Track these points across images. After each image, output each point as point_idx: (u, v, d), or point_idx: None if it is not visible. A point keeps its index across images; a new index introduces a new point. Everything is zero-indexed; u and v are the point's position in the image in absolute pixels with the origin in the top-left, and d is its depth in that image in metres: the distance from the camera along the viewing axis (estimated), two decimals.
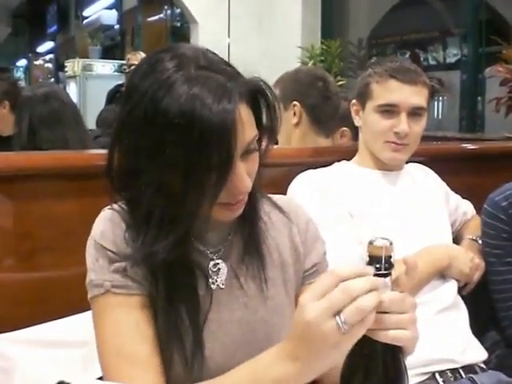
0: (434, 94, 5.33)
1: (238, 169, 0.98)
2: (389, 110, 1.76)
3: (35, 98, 2.60)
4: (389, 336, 0.84)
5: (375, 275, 0.84)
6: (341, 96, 2.36)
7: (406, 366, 0.87)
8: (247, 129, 0.98)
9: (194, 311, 1.05)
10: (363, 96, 1.82)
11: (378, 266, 0.84)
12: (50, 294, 1.69)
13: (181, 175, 0.95)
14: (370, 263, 0.84)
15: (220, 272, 1.11)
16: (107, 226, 1.07)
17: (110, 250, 1.04)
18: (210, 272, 1.10)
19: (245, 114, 0.97)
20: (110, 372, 1.01)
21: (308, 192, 1.72)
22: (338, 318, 0.81)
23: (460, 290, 1.84)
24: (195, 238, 1.09)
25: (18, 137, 2.57)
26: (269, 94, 1.03)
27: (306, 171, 1.81)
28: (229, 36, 6.26)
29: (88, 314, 1.06)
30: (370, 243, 0.84)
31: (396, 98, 1.75)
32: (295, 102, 2.21)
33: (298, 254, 1.19)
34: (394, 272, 0.86)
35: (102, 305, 1.04)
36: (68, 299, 1.24)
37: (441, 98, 5.86)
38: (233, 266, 1.12)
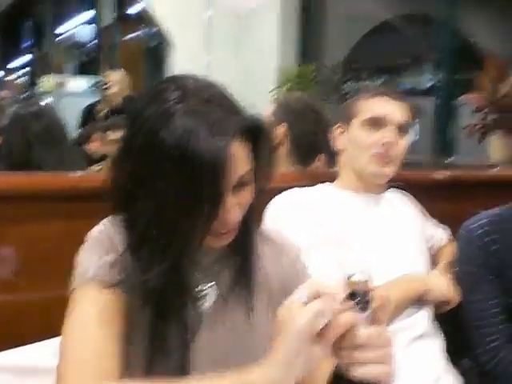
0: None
1: (228, 202, 1.01)
2: (376, 124, 1.79)
3: (28, 115, 2.57)
4: (365, 371, 0.84)
5: (354, 309, 0.84)
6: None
7: None
8: (240, 164, 1.01)
9: (183, 331, 1.06)
10: (349, 116, 1.86)
11: (355, 300, 0.84)
12: (24, 317, 1.66)
13: (173, 206, 0.97)
14: (348, 298, 0.84)
15: (208, 296, 1.13)
16: (106, 229, 1.10)
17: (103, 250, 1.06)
18: (199, 295, 1.12)
19: (239, 149, 1.00)
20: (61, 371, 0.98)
21: (289, 211, 1.71)
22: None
23: (436, 316, 1.84)
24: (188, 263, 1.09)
25: (7, 155, 2.52)
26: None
27: (289, 190, 1.81)
28: (208, 54, 6.27)
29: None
30: (348, 278, 0.84)
31: (384, 111, 1.79)
32: (284, 124, 2.21)
33: (286, 285, 1.19)
34: (372, 306, 0.86)
35: (79, 295, 1.04)
36: (43, 324, 1.21)
37: (416, 122, 5.92)
38: (222, 291, 1.14)
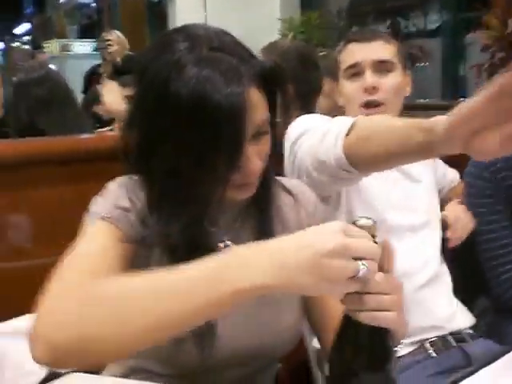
0: (414, 61, 5.32)
1: (248, 151, 0.99)
2: (355, 72, 1.76)
3: (31, 81, 2.57)
4: (369, 317, 0.84)
5: None
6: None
7: (391, 347, 0.87)
8: (257, 111, 0.98)
9: None
10: (335, 71, 1.84)
11: None
12: (38, 282, 1.67)
13: (192, 158, 0.95)
14: None
15: None
16: (124, 183, 1.07)
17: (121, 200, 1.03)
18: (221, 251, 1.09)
19: (255, 96, 0.98)
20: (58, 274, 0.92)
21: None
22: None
23: (452, 256, 1.84)
24: (207, 220, 1.07)
25: (15, 122, 2.53)
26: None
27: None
28: (205, 10, 6.19)
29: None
30: (353, 223, 0.84)
31: (357, 57, 1.75)
32: None
33: None
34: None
35: (92, 228, 1.00)
36: None
37: (422, 64, 5.85)
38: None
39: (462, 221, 1.83)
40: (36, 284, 0.83)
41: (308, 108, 2.28)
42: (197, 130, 0.94)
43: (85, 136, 2.43)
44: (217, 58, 0.96)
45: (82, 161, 1.88)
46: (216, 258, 0.83)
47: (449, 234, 1.80)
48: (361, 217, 0.84)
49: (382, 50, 1.76)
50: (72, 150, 1.93)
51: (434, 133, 0.97)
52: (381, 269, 0.86)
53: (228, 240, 1.12)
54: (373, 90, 1.72)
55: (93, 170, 1.74)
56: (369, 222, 0.83)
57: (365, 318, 0.84)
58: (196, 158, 0.95)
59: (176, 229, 1.00)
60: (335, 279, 0.79)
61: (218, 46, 0.99)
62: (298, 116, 1.70)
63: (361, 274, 0.79)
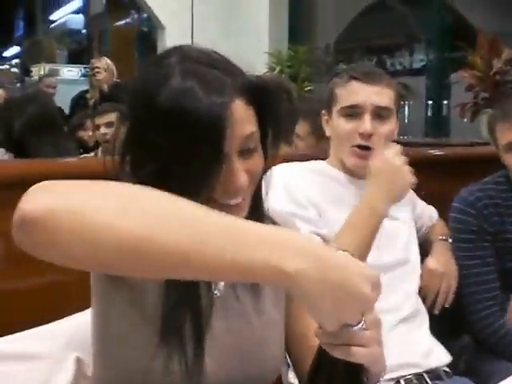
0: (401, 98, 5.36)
1: (233, 164, 0.98)
2: (352, 113, 1.73)
3: (22, 101, 2.55)
4: (344, 352, 0.82)
5: None
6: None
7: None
8: (243, 125, 0.97)
9: (198, 317, 1.02)
10: (329, 103, 1.81)
11: None
12: (10, 305, 1.66)
13: (176, 166, 0.95)
14: None
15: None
16: None
17: None
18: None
19: (241, 109, 0.97)
20: None
21: (282, 197, 1.68)
22: None
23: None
24: None
25: (4, 140, 2.51)
26: (271, 93, 1.03)
27: (279, 167, 1.71)
28: (192, 41, 6.24)
29: (49, 327, 1.03)
30: None
31: (358, 99, 1.72)
32: None
33: None
34: None
35: None
36: (29, 311, 1.20)
37: (407, 103, 5.91)
38: None
39: (444, 287, 1.85)
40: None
41: (287, 141, 2.29)
42: (179, 139, 0.94)
43: (70, 159, 2.43)
44: (203, 70, 0.97)
45: None
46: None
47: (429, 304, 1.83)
48: (338, 249, 0.84)
49: (383, 95, 1.73)
50: (56, 172, 1.92)
51: None
52: None
53: None
54: (369, 136, 1.72)
55: None
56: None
57: (339, 352, 0.83)
58: (178, 166, 0.95)
59: None
60: (337, 314, 0.79)
61: (205, 61, 0.99)
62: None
63: (356, 328, 0.80)
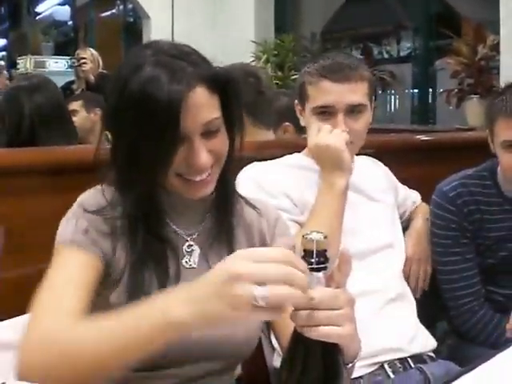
0: (385, 86, 5.37)
1: (194, 144, 1.10)
2: (325, 112, 1.71)
3: (30, 90, 2.52)
4: (318, 332, 0.83)
5: (309, 270, 0.82)
6: (280, 91, 2.40)
7: (341, 364, 0.86)
8: (203, 110, 1.10)
9: (163, 286, 1.11)
10: (301, 98, 1.78)
11: (310, 260, 0.82)
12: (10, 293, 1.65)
13: (140, 143, 1.09)
14: (303, 257, 0.83)
15: (193, 253, 1.20)
16: (89, 194, 1.20)
17: (87, 211, 1.15)
18: (184, 252, 1.20)
19: (202, 96, 1.10)
20: (37, 307, 1.06)
21: (251, 188, 1.67)
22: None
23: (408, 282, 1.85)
24: (171, 220, 1.21)
25: (15, 131, 2.46)
26: (230, 84, 1.15)
27: (251, 165, 1.76)
28: (178, 29, 6.23)
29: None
30: (304, 237, 0.83)
31: (330, 99, 1.69)
32: None
33: (265, 246, 1.24)
34: (331, 267, 0.84)
35: (60, 253, 1.13)
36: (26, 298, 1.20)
37: (393, 91, 5.91)
38: (204, 250, 1.21)
39: (421, 272, 1.90)
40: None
41: (266, 126, 2.29)
42: (143, 121, 1.07)
43: (72, 147, 2.43)
44: (171, 62, 1.09)
45: (64, 172, 1.89)
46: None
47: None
48: (312, 231, 0.83)
49: (356, 91, 1.70)
50: (58, 161, 1.93)
51: None
52: (333, 281, 0.85)
53: (192, 241, 1.21)
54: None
55: (74, 181, 1.75)
56: (318, 237, 0.82)
57: (313, 333, 0.83)
58: (143, 143, 1.08)
59: (130, 199, 1.13)
60: (238, 306, 0.81)
61: (175, 53, 1.12)
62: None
63: (260, 300, 0.79)
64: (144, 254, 1.14)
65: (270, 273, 0.80)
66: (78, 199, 1.19)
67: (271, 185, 1.72)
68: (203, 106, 1.10)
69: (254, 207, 1.30)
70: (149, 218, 1.15)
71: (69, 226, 1.15)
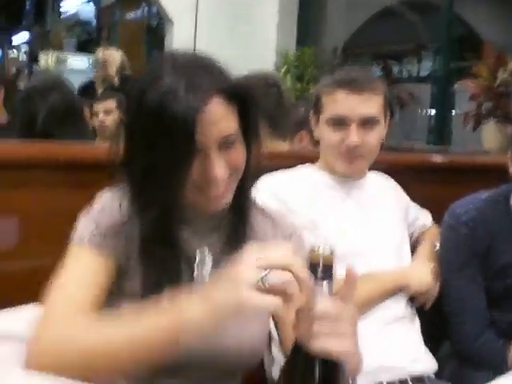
0: (403, 105, 5.37)
1: (210, 156, 1.08)
2: (338, 123, 1.71)
3: (44, 89, 2.53)
4: (318, 345, 0.83)
5: (314, 282, 0.83)
6: (298, 103, 2.39)
7: (341, 379, 0.86)
8: (221, 123, 1.08)
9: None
10: (316, 109, 1.79)
11: (315, 273, 0.83)
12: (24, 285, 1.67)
13: (158, 157, 1.07)
14: (310, 270, 0.84)
15: (206, 263, 1.19)
16: (107, 199, 1.18)
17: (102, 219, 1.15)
18: (197, 261, 1.18)
19: (219, 107, 1.07)
20: (49, 304, 1.07)
21: (266, 200, 1.67)
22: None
23: (413, 301, 1.83)
24: (184, 229, 1.18)
25: (25, 127, 2.48)
26: (249, 95, 1.14)
27: (267, 176, 1.75)
28: (195, 37, 6.26)
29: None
30: (311, 250, 0.84)
31: (343, 110, 1.69)
32: None
33: None
34: (336, 282, 0.85)
35: (75, 252, 1.14)
36: (30, 291, 1.21)
37: (411, 110, 5.90)
38: (216, 259, 1.19)
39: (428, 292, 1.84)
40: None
41: (283, 137, 2.30)
42: (161, 133, 1.06)
43: (90, 145, 2.46)
44: (188, 73, 1.08)
45: (80, 168, 1.90)
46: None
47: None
48: (319, 245, 0.85)
49: (370, 103, 1.70)
50: (73, 157, 1.95)
51: None
52: (339, 295, 0.86)
53: (205, 251, 1.19)
54: (355, 147, 1.70)
55: (89, 178, 1.77)
56: (324, 250, 0.83)
57: (316, 345, 0.83)
58: (161, 156, 1.07)
59: (146, 221, 1.11)
60: (243, 290, 0.87)
61: (194, 65, 1.11)
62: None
63: (264, 283, 0.86)
64: (158, 263, 1.13)
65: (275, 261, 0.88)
66: (100, 203, 1.18)
67: (290, 198, 1.71)
68: (221, 119, 1.08)
69: (270, 218, 1.28)
70: (164, 231, 1.15)
71: (87, 227, 1.15)
